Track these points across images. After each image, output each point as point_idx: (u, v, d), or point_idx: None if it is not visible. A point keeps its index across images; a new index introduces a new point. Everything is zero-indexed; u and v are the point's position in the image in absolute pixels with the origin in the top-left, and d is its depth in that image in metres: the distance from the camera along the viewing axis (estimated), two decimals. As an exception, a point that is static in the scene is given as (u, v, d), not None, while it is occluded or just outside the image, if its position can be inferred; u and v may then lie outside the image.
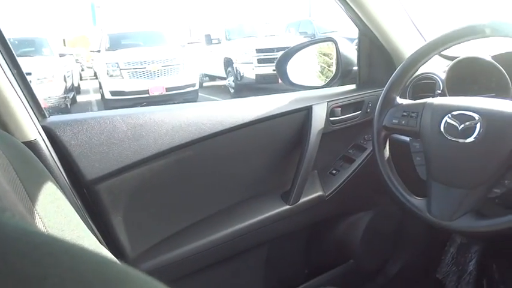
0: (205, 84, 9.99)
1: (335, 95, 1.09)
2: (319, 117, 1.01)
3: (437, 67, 1.11)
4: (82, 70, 13.69)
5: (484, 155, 0.72)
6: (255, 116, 0.92)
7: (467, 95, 1.00)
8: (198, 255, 0.90)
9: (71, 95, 7.48)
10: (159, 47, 7.50)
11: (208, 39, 8.95)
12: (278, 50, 7.20)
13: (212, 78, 10.16)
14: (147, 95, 6.83)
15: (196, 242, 0.90)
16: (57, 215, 0.52)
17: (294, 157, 1.02)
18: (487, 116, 0.73)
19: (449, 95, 1.03)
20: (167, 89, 6.91)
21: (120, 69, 6.77)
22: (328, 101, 1.05)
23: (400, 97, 0.90)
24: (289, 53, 1.24)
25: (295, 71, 1.25)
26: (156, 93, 6.87)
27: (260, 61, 7.39)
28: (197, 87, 7.47)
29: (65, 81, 6.88)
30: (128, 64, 6.80)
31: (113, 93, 6.76)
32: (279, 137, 1.01)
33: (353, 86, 1.18)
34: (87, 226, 0.58)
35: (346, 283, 1.26)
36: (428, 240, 1.32)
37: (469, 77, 1.01)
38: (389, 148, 0.90)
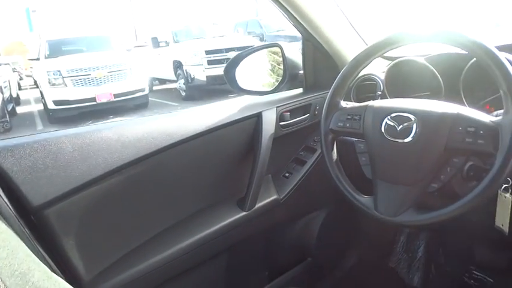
0: (155, 88, 9.78)
1: (283, 99, 1.11)
2: (269, 122, 1.03)
3: (377, 68, 1.17)
4: (20, 79, 12.88)
5: (421, 153, 0.77)
6: (205, 127, 0.93)
7: (405, 95, 1.07)
8: (156, 271, 0.88)
9: (9, 107, 7.03)
10: (104, 52, 7.24)
11: (155, 42, 8.76)
12: (227, 50, 7.21)
13: (162, 81, 9.96)
14: (94, 103, 6.58)
15: (154, 258, 0.88)
16: (3, 249, 0.49)
17: (247, 164, 1.03)
18: (422, 117, 0.78)
19: (389, 95, 1.09)
20: (115, 96, 6.71)
21: (63, 77, 6.47)
22: (277, 107, 1.07)
23: (344, 99, 0.94)
24: (236, 59, 1.25)
25: (244, 77, 1.26)
26: (104, 100, 6.65)
27: (210, 62, 7.34)
28: (147, 91, 7.30)
29: (2, 92, 6.44)
30: (71, 71, 6.50)
31: (57, 102, 6.45)
32: (230, 145, 1.01)
33: (300, 90, 1.21)
34: (37, 255, 0.56)
35: (305, 281, 1.30)
36: (380, 232, 1.39)
37: (406, 77, 1.08)
38: (338, 149, 0.93)
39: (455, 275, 1.39)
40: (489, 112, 0.79)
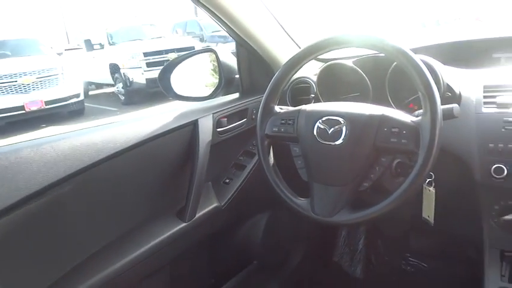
0: (91, 92, 9.30)
1: (220, 105, 1.10)
2: (205, 130, 1.02)
3: (312, 71, 1.20)
4: None
5: (351, 155, 0.80)
6: (138, 138, 0.89)
7: (337, 96, 1.10)
8: None
9: None
10: (31, 56, 6.75)
11: (89, 45, 8.31)
12: (167, 52, 7.05)
13: (99, 85, 9.50)
14: (23, 111, 6.11)
15: (91, 279, 0.83)
16: None
17: (186, 173, 1.01)
18: (350, 119, 0.81)
19: (322, 97, 1.12)
20: (47, 103, 6.26)
21: (-15, 85, 5.94)
22: (213, 113, 1.06)
23: (280, 102, 0.95)
24: (170, 65, 1.22)
25: (180, 83, 1.23)
26: (34, 108, 6.19)
27: (149, 65, 7.13)
28: (82, 97, 6.91)
29: None
30: (-7, 79, 5.99)
31: (-21, 113, 5.90)
32: (166, 156, 0.98)
33: (237, 95, 1.21)
34: None
35: (252, 284, 1.30)
36: (321, 229, 1.43)
37: (337, 79, 1.12)
38: (276, 153, 0.94)
39: (394, 263, 1.47)
40: (412, 111, 0.84)
